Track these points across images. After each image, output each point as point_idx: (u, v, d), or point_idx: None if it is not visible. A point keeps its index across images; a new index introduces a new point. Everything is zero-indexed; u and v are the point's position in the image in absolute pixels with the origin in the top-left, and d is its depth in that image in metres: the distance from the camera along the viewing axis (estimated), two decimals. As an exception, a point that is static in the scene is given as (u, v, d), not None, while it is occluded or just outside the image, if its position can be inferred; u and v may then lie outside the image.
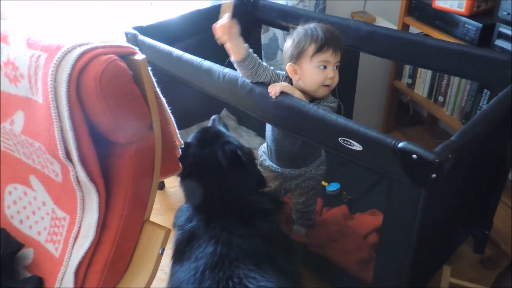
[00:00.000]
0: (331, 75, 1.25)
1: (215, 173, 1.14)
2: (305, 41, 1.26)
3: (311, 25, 1.29)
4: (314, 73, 1.26)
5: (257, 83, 1.25)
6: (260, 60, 1.25)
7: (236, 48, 1.19)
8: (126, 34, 1.62)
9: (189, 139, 1.24)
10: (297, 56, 1.27)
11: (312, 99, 1.31)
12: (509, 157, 1.41)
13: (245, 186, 1.14)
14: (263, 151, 1.54)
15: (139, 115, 0.93)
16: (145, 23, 1.69)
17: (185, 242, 1.08)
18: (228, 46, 1.20)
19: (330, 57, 1.24)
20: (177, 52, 1.45)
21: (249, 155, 1.22)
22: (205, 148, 1.19)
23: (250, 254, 1.01)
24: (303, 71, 1.28)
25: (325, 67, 1.25)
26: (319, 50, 1.23)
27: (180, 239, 1.10)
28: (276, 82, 1.30)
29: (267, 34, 2.18)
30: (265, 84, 1.24)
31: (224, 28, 1.15)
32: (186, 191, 1.18)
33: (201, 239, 1.05)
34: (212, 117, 1.39)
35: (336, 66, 1.27)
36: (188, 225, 1.10)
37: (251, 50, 1.23)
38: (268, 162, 1.50)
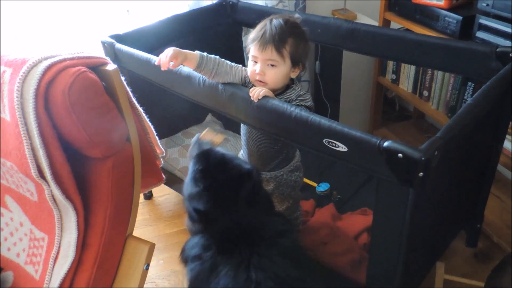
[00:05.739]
0: (257, 71, 1.25)
1: (231, 200, 1.05)
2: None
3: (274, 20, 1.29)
4: (248, 66, 1.29)
5: (237, 87, 1.23)
6: (222, 59, 1.26)
7: (188, 63, 1.22)
8: (103, 43, 1.58)
9: (191, 165, 1.12)
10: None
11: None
12: (497, 148, 1.40)
13: (259, 210, 1.08)
14: (241, 154, 1.51)
15: (114, 127, 0.90)
16: (122, 31, 1.65)
17: (207, 272, 0.99)
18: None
19: (257, 52, 1.24)
20: (155, 59, 1.41)
21: (259, 177, 1.17)
22: (217, 178, 1.07)
23: (282, 277, 0.95)
24: None
25: (256, 62, 1.25)
26: (250, 44, 1.26)
27: (199, 270, 1.01)
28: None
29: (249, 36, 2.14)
30: (241, 86, 1.23)
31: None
32: (198, 223, 1.07)
33: (227, 266, 0.97)
34: (194, 139, 1.26)
35: (271, 65, 1.24)
36: (206, 253, 1.01)
37: (204, 53, 1.25)
38: None
